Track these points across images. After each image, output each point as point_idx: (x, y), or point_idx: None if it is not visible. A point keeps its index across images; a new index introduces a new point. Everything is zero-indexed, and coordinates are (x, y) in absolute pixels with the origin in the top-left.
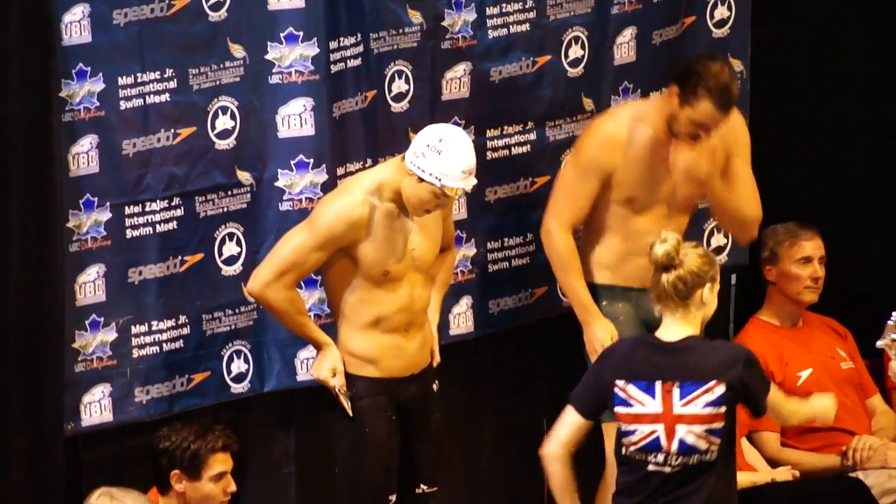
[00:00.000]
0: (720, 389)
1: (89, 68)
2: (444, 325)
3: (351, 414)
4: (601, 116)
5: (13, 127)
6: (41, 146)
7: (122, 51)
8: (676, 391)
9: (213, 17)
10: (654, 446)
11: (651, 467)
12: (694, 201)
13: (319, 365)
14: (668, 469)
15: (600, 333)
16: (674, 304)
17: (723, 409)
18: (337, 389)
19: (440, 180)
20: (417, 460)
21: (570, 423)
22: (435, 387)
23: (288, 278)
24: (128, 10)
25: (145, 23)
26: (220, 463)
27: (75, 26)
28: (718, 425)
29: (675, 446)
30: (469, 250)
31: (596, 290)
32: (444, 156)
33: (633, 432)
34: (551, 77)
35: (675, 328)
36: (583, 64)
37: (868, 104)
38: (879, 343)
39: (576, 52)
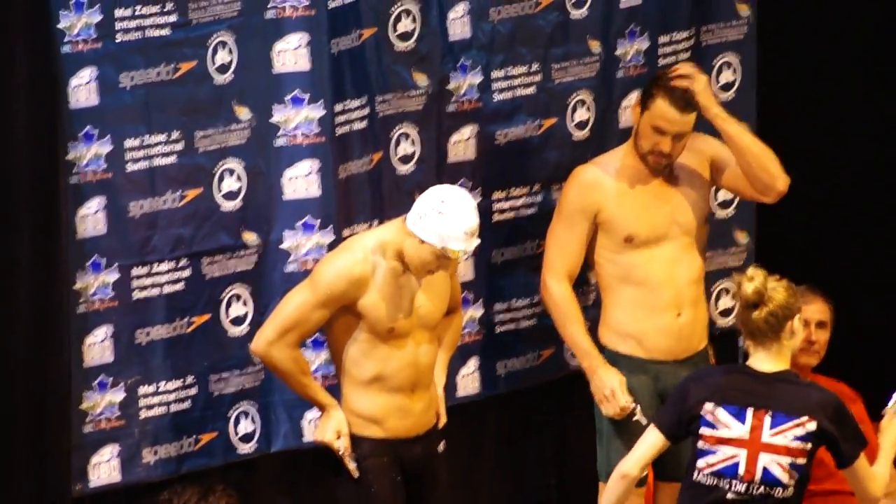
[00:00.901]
0: (812, 426)
1: (96, 131)
2: (451, 386)
3: (356, 475)
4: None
5: (20, 189)
6: (48, 208)
7: (129, 113)
8: (768, 419)
9: (219, 80)
10: (731, 472)
11: (730, 495)
12: (699, 231)
13: (324, 427)
14: (748, 497)
15: (607, 380)
16: (768, 339)
17: (809, 445)
18: (341, 452)
19: (442, 241)
20: None
21: (651, 443)
22: (440, 448)
23: (291, 337)
24: (134, 73)
25: (151, 86)
26: None
27: (82, 89)
28: (802, 461)
29: (758, 475)
30: (476, 311)
31: (616, 359)
32: (445, 217)
33: (712, 453)
34: (557, 140)
35: (767, 361)
36: (588, 127)
37: (873, 114)
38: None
39: (581, 115)
